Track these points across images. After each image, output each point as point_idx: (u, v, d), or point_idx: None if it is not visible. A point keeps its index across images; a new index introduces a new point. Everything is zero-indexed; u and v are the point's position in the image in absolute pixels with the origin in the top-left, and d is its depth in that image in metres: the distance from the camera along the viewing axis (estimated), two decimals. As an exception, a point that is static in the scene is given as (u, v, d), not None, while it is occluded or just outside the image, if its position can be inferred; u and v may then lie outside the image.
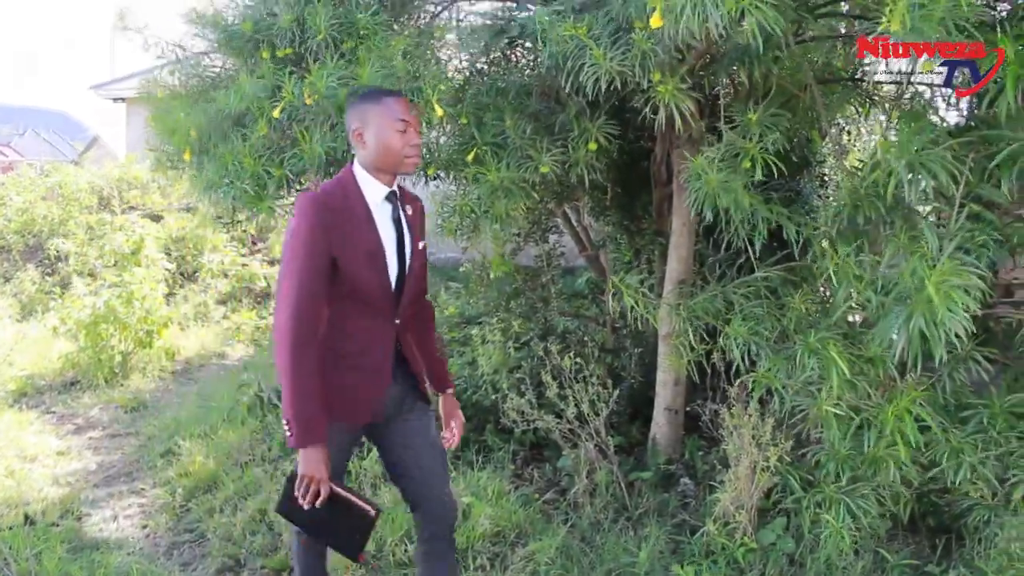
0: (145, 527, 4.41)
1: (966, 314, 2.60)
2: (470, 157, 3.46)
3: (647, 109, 3.15)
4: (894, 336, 2.71)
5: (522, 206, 3.83)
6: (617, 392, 4.22)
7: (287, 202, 4.10)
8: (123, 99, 14.73)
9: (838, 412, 3.07)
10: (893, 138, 3.26)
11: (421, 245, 2.72)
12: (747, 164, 3.15)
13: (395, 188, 2.62)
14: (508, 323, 4.93)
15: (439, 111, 3.26)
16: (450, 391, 2.99)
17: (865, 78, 4.37)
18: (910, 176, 2.77)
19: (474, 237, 4.15)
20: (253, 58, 3.89)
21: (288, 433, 2.39)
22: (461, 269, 6.88)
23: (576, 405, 4.13)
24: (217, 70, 4.40)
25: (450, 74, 4.00)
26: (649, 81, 3.02)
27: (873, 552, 3.57)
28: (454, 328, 6.19)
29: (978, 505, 3.29)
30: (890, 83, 4.44)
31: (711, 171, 3.14)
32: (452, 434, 2.92)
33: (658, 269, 4.68)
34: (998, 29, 2.65)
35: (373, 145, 2.51)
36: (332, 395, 2.47)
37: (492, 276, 5.14)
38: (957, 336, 3.39)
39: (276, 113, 3.57)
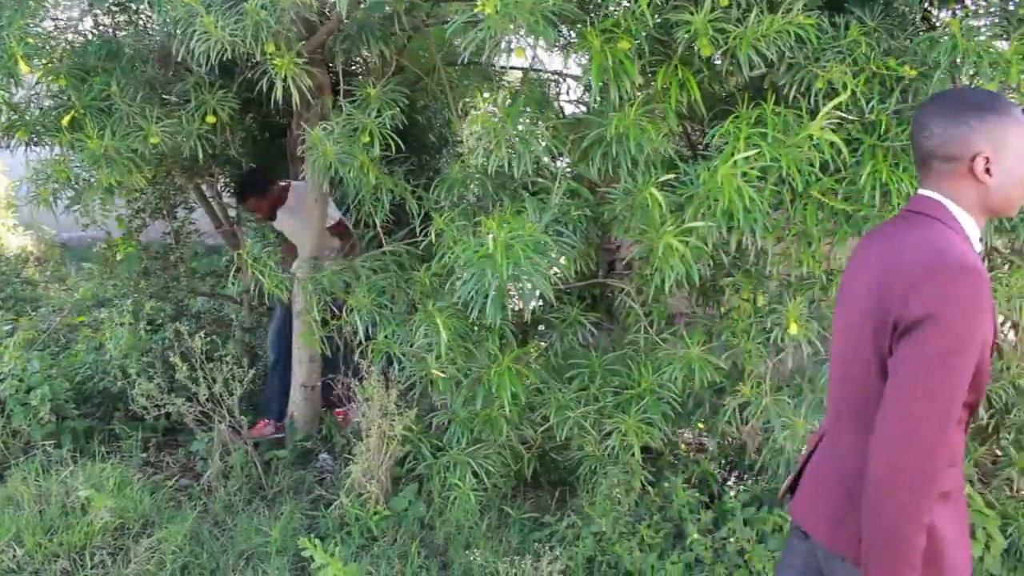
0: None
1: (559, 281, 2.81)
2: (65, 121, 3.20)
3: (264, 82, 3.10)
4: (471, 296, 2.84)
5: (140, 178, 3.60)
6: (253, 371, 4.14)
7: None
8: None
9: (445, 375, 3.22)
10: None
11: None
12: (366, 138, 3.20)
13: None
14: (139, 304, 4.64)
15: (25, 67, 2.97)
16: None
17: (492, 63, 4.60)
18: (512, 154, 2.95)
19: (83, 210, 3.85)
20: None
21: None
22: (95, 249, 6.41)
23: (209, 387, 4.00)
24: None
25: (59, 33, 3.69)
26: (264, 53, 2.97)
27: (498, 509, 3.80)
28: (84, 312, 5.77)
29: (587, 457, 3.61)
30: (515, 69, 4.71)
31: (328, 143, 3.16)
32: None
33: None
34: (588, 23, 2.91)
35: (1004, 180, 1.74)
36: (963, 557, 1.78)
37: (118, 256, 4.81)
38: (568, 303, 3.73)
39: None
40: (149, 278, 5.08)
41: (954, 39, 2.80)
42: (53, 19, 3.85)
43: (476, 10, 2.53)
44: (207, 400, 4.01)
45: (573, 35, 3.16)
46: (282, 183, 4.64)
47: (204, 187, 5.05)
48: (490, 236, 2.71)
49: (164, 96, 3.54)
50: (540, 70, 4.35)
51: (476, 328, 3.34)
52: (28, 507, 3.73)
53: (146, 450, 4.40)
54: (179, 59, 3.21)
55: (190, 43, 2.95)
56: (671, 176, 2.86)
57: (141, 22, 3.99)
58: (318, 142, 3.18)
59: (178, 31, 2.99)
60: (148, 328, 4.69)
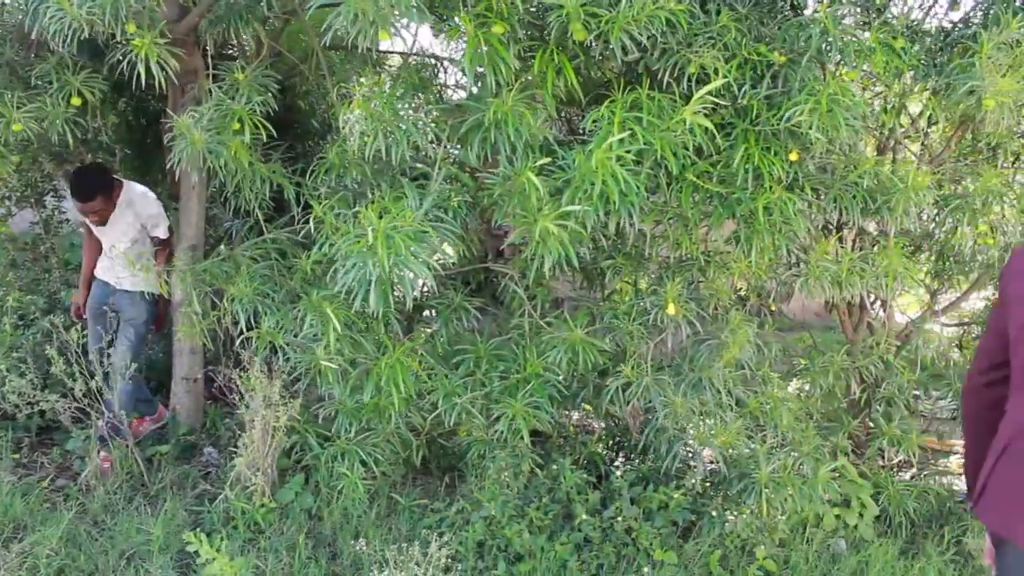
0: None
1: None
2: (-87, 109, 3.03)
3: (128, 64, 2.98)
4: (353, 286, 2.80)
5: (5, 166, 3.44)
6: (135, 365, 4.00)
7: None
8: None
9: (334, 366, 3.17)
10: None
11: None
12: (236, 125, 3.11)
13: None
14: (4, 298, 4.43)
15: None
16: None
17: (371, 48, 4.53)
18: (388, 141, 2.91)
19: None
20: None
21: None
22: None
23: (86, 382, 3.84)
24: None
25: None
26: (125, 33, 2.85)
27: (387, 497, 3.77)
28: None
29: (476, 442, 3.62)
30: (396, 53, 4.66)
31: (197, 130, 3.06)
32: None
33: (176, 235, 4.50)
34: (462, 7, 2.88)
35: None
36: None
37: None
38: (453, 288, 3.71)
39: None
40: (17, 270, 4.85)
41: (822, 26, 2.88)
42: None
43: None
44: (84, 396, 3.86)
45: (456, 20, 3.13)
46: (116, 180, 4.14)
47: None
48: (370, 228, 2.66)
49: (26, 79, 3.36)
50: (421, 55, 4.31)
51: (361, 317, 3.29)
52: None
53: (18, 451, 4.21)
54: (39, 39, 3.06)
55: (44, 21, 2.81)
56: (548, 161, 2.87)
57: None
58: (185, 130, 3.07)
59: (32, 8, 2.84)
60: (19, 323, 4.47)
